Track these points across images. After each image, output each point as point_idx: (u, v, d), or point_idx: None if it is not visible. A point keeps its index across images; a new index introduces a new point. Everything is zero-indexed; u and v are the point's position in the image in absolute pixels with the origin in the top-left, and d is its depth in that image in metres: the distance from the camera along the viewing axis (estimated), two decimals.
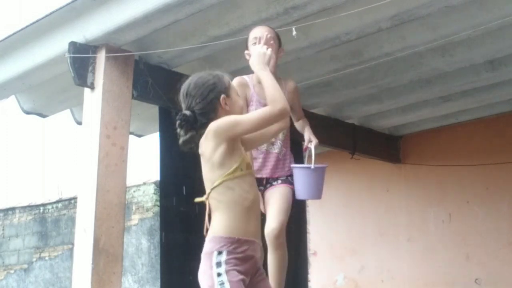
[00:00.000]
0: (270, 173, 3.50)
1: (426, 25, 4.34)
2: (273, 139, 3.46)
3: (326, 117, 6.17)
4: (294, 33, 3.56)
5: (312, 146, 3.46)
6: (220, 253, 2.47)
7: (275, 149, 3.53)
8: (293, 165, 3.51)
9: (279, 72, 3.58)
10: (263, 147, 3.49)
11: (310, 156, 3.40)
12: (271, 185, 3.51)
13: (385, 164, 7.17)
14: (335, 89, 5.54)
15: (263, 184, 3.49)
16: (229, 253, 2.47)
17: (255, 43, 3.39)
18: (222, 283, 2.42)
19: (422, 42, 4.50)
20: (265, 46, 2.79)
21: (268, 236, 3.29)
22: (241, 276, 2.46)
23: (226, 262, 2.45)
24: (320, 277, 7.61)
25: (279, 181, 3.51)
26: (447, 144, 6.88)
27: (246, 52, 3.51)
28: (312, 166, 3.32)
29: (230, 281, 2.43)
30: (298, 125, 3.73)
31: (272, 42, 3.38)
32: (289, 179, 3.54)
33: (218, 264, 2.46)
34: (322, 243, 7.67)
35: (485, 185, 6.62)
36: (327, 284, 7.59)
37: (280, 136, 3.52)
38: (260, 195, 3.17)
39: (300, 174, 3.37)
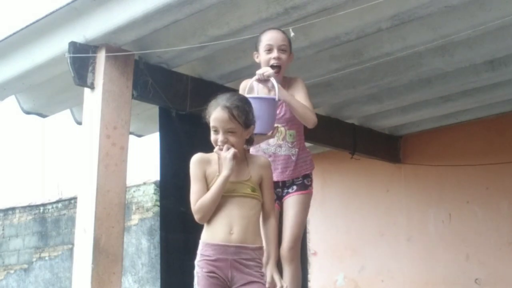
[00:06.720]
0: (281, 176, 3.46)
1: (426, 25, 4.34)
2: (280, 142, 3.44)
3: (326, 117, 6.16)
4: (292, 34, 3.56)
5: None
6: None
7: (283, 151, 3.47)
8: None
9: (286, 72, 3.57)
10: (270, 150, 3.45)
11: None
12: (287, 193, 3.49)
13: (385, 164, 7.17)
14: (335, 89, 5.53)
15: (280, 186, 3.48)
16: None
17: (268, 50, 3.40)
18: None
19: (422, 42, 4.49)
20: (229, 150, 2.71)
21: (282, 250, 3.36)
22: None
23: None
24: (320, 277, 7.60)
25: (294, 187, 3.49)
26: (447, 144, 6.87)
27: (255, 53, 3.49)
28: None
29: None
30: None
31: (284, 49, 3.41)
32: (305, 182, 3.52)
33: None
34: (322, 243, 7.66)
35: (485, 185, 6.61)
36: (327, 284, 7.58)
37: (288, 138, 3.48)
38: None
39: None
